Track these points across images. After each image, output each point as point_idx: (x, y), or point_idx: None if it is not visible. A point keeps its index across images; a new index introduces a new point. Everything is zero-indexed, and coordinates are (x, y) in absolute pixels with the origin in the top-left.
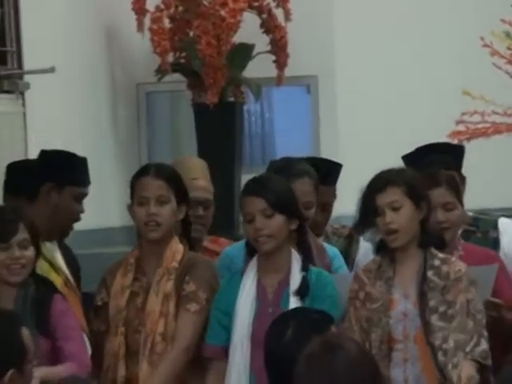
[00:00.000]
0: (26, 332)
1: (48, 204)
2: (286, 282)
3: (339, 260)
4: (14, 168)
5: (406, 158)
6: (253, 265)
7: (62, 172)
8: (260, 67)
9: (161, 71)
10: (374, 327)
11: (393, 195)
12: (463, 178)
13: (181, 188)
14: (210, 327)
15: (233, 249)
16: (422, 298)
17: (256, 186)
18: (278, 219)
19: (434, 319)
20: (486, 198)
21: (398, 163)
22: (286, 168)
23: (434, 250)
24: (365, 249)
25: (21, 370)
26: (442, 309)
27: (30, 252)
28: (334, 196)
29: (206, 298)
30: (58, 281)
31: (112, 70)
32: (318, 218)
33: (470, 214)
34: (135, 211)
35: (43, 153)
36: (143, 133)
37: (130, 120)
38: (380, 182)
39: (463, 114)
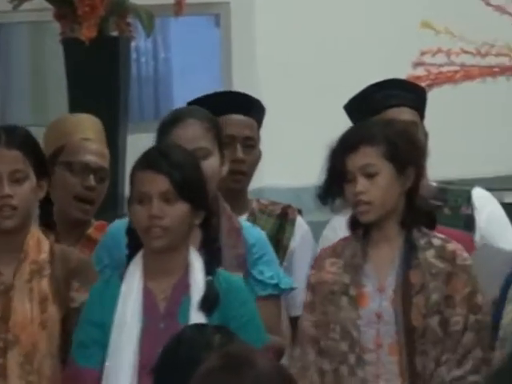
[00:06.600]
0: None
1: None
2: (183, 286)
3: (262, 248)
4: None
5: (352, 102)
6: (137, 263)
7: None
8: None
9: None
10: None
11: (366, 157)
12: (426, 135)
13: (39, 157)
14: (79, 344)
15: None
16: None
17: (158, 159)
18: (181, 208)
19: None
20: (455, 164)
21: (334, 121)
22: (168, 118)
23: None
24: (333, 226)
25: None
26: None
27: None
28: (252, 131)
29: None
30: None
31: None
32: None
33: (434, 184)
34: None
35: None
36: None
37: None
38: (352, 139)
39: (423, 53)
